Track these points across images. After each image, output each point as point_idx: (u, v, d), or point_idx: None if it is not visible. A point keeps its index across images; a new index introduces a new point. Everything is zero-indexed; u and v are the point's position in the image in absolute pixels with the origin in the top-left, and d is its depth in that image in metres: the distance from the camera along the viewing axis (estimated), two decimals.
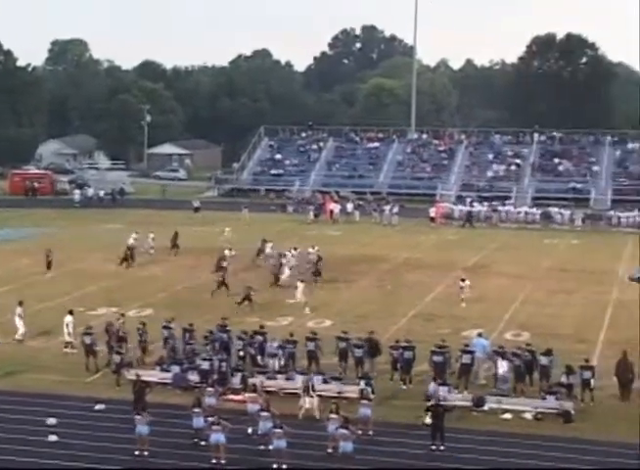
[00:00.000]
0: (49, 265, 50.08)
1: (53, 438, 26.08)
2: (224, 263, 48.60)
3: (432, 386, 28.37)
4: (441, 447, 25.55)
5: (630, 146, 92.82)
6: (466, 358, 30.78)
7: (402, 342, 31.94)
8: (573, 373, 29.19)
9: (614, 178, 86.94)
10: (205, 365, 30.67)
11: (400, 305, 42.96)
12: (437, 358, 30.88)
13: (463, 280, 43.69)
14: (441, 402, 26.79)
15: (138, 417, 25.23)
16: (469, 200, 78.98)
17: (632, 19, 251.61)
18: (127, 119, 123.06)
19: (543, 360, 30.11)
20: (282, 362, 31.83)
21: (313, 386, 28.22)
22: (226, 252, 51.18)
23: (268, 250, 53.40)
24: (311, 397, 27.82)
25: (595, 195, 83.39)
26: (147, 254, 55.07)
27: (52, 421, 27.19)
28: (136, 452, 25.01)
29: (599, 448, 25.71)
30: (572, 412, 27.91)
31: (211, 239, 60.13)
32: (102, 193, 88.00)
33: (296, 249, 51.27)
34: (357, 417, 26.44)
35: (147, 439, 25.11)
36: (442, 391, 28.51)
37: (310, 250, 51.21)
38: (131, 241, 54.87)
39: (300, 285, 42.96)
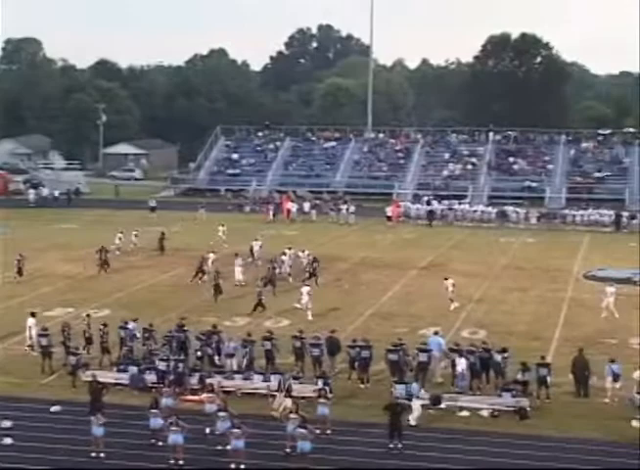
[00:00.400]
0: (20, 271, 48.39)
1: (8, 440, 25.82)
2: (205, 267, 47.89)
3: (414, 385, 28.43)
4: (399, 446, 25.64)
5: (584, 145, 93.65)
6: (423, 357, 30.94)
7: (359, 341, 32.02)
8: (529, 370, 29.43)
9: (568, 177, 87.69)
10: (163, 366, 30.53)
11: (357, 304, 43.04)
12: (393, 357, 30.99)
13: (446, 279, 43.10)
14: (399, 401, 26.89)
15: (94, 418, 25.05)
16: (425, 198, 79.33)
17: (585, 18, 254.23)
18: (82, 119, 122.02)
19: (497, 358, 30.32)
20: (245, 362, 31.78)
21: (290, 386, 28.10)
22: (210, 255, 50.10)
23: (256, 248, 53.67)
24: (288, 397, 27.71)
25: (550, 194, 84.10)
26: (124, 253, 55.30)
27: (7, 424, 26.90)
28: (92, 454, 24.84)
29: (555, 445, 25.97)
30: (528, 409, 28.16)
31: (168, 239, 59.80)
32: (57, 193, 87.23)
33: (290, 248, 50.79)
34: (316, 416, 26.49)
35: (102, 440, 24.93)
36: (400, 389, 28.68)
37: (300, 254, 50.61)
38: (117, 241, 55.60)
39: (305, 289, 41.60)
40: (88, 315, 35.73)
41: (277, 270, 46.96)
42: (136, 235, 57.69)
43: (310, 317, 39.74)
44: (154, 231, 63.89)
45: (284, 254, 49.75)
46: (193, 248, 57.07)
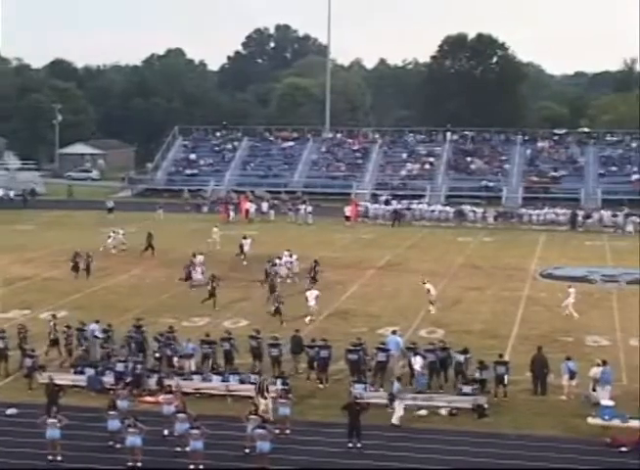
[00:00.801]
0: None
1: None
2: (193, 270, 47.03)
3: (395, 385, 28.48)
4: (358, 445, 25.69)
5: (540, 145, 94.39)
6: (381, 356, 31.02)
7: (318, 341, 32.05)
8: (487, 369, 29.62)
9: (524, 176, 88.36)
10: (121, 367, 30.35)
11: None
12: (353, 357, 31.04)
13: (424, 283, 42.52)
14: (358, 400, 26.94)
15: (51, 421, 24.82)
16: (384, 198, 79.55)
17: (540, 19, 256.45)
18: (38, 119, 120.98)
19: (460, 358, 30.46)
20: (210, 363, 31.71)
21: (267, 387, 27.93)
22: (199, 257, 48.80)
23: (246, 247, 53.61)
24: (265, 398, 27.55)
25: (507, 193, 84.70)
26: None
27: None
28: (49, 457, 24.62)
29: (513, 442, 26.15)
30: (486, 407, 28.33)
31: (126, 239, 59.51)
32: (12, 194, 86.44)
33: (289, 250, 50.24)
34: (276, 417, 26.48)
35: (59, 443, 24.72)
36: (359, 388, 28.76)
37: (286, 253, 49.91)
38: (109, 240, 55.87)
39: (313, 292, 40.96)
40: (54, 316, 35.47)
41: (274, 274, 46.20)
42: (123, 234, 57.60)
43: (308, 320, 39.22)
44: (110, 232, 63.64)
45: (279, 257, 48.90)
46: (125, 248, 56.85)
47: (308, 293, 40.94)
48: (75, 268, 48.64)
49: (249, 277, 48.09)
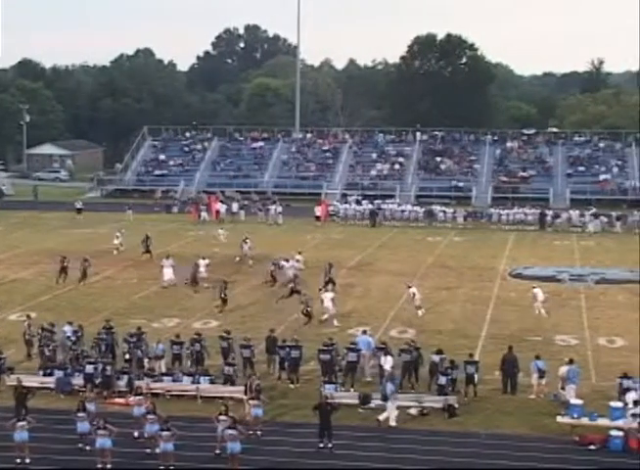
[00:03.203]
0: None
1: None
2: (198, 275, 46.52)
3: (389, 386, 28.48)
4: (329, 445, 25.70)
5: (509, 145, 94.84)
6: (352, 356, 31.06)
7: (289, 341, 32.04)
8: (457, 368, 29.73)
9: (494, 176, 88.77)
10: (90, 369, 30.19)
11: (287, 304, 42.93)
12: (325, 357, 31.05)
13: (409, 287, 42.40)
14: (329, 400, 26.95)
15: (19, 424, 24.64)
16: (354, 198, 79.66)
17: (510, 20, 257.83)
18: (5, 119, 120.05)
19: (435, 358, 30.51)
20: (188, 364, 31.58)
21: (260, 390, 27.84)
22: (201, 261, 48.04)
23: (246, 248, 53.72)
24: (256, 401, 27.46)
25: (476, 193, 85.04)
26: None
27: None
28: (17, 460, 24.44)
29: (483, 441, 26.27)
30: (457, 407, 28.44)
31: (97, 241, 59.29)
32: None
33: (300, 253, 49.90)
34: (247, 417, 26.46)
35: (27, 445, 24.55)
36: (329, 388, 28.78)
37: (297, 256, 49.46)
38: (115, 241, 56.06)
39: (329, 295, 40.60)
40: (28, 316, 35.23)
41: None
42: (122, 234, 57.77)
43: (336, 323, 38.91)
44: (84, 233, 63.49)
45: (286, 259, 48.29)
46: (122, 249, 56.66)
47: (323, 295, 40.63)
48: (64, 271, 47.15)
49: (251, 279, 48.09)
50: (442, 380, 29.32)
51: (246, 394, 27.79)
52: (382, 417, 27.59)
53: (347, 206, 76.53)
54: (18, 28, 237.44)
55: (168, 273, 46.98)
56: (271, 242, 60.65)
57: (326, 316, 39.47)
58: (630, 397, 27.44)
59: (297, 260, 48.90)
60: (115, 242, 56.67)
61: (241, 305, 42.72)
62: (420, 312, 40.77)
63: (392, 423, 27.48)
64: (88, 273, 47.39)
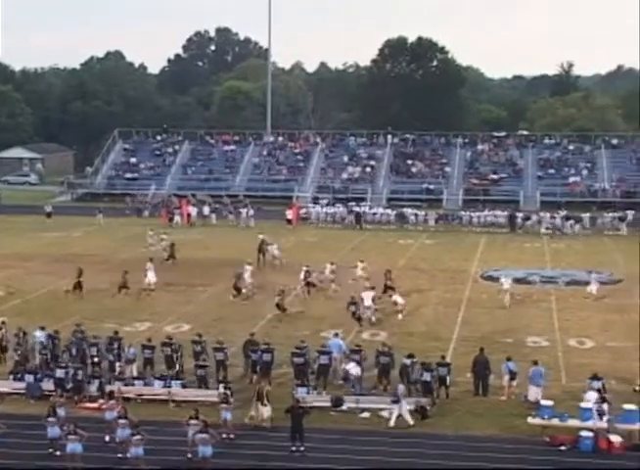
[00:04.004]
0: None
1: None
2: (241, 282, 45.88)
3: (400, 387, 28.51)
4: (301, 448, 25.70)
5: (480, 147, 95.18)
6: (323, 359, 31.07)
7: (261, 344, 32.02)
8: (430, 370, 29.81)
9: (464, 179, 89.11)
10: (61, 373, 30.01)
11: (259, 307, 42.98)
12: (298, 360, 31.04)
13: (390, 296, 42.43)
14: (300, 403, 26.95)
15: None
16: (325, 201, 79.70)
17: (480, 25, 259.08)
18: None
19: (406, 361, 30.57)
20: (178, 367, 31.35)
21: (267, 394, 27.79)
22: (247, 266, 47.60)
23: (276, 251, 53.93)
24: (265, 405, 27.48)
25: (447, 195, 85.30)
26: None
27: None
28: None
29: (455, 443, 26.36)
30: (429, 408, 28.52)
31: (67, 244, 58.98)
32: None
33: (332, 264, 48.71)
34: (219, 421, 26.44)
35: None
36: (301, 391, 28.80)
37: (329, 266, 48.43)
38: (149, 240, 57.35)
39: (370, 293, 40.76)
40: (4, 322, 34.99)
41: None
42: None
43: (374, 318, 39.97)
44: (53, 237, 63.16)
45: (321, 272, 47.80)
46: (93, 253, 56.56)
47: (364, 294, 40.73)
48: (79, 286, 45.16)
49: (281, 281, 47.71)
50: (427, 376, 29.42)
51: (256, 399, 27.67)
52: (409, 420, 27.75)
53: (320, 209, 76.60)
54: None
55: (150, 276, 46.91)
56: (245, 246, 60.49)
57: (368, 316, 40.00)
58: (590, 396, 27.67)
59: (332, 271, 48.02)
60: (150, 240, 57.64)
61: (211, 309, 42.66)
62: (401, 316, 40.91)
63: (411, 422, 27.69)
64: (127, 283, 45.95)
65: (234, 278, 45.62)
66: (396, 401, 28.04)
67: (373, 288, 41.80)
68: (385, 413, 28.48)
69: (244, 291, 45.51)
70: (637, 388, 30.32)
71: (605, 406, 27.04)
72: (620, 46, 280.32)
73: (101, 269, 52.13)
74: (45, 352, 32.28)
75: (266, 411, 27.44)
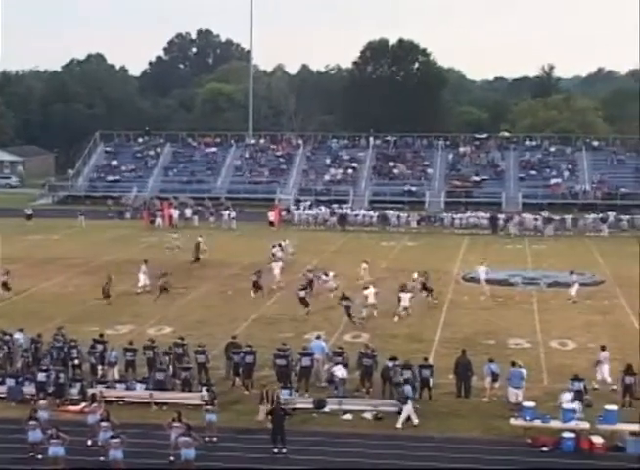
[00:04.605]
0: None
1: None
2: (275, 278, 46.83)
3: (407, 388, 28.53)
4: (283, 450, 25.67)
5: (462, 149, 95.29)
6: (305, 361, 31.06)
7: (243, 346, 31.97)
8: (408, 368, 29.87)
9: (446, 181, 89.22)
10: (42, 377, 29.87)
11: (241, 309, 42.94)
12: (281, 362, 31.00)
13: (403, 290, 42.56)
14: (282, 406, 26.93)
15: None
16: (308, 203, 79.67)
17: (462, 26, 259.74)
18: None
19: (389, 364, 30.54)
20: (167, 375, 31.03)
21: (277, 395, 27.72)
22: (275, 270, 48.53)
23: (282, 253, 53.93)
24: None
25: (429, 197, 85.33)
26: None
27: None
28: None
29: (437, 444, 26.39)
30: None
31: (48, 247, 58.72)
32: None
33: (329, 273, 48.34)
34: (203, 424, 26.37)
35: None
36: (284, 393, 28.77)
37: (331, 273, 48.09)
38: (203, 246, 56.47)
39: (407, 296, 41.78)
40: None
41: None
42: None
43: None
44: (35, 239, 62.94)
45: (325, 274, 47.39)
46: (75, 256, 56.38)
47: (367, 291, 41.61)
48: (106, 295, 44.70)
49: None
50: (407, 374, 29.57)
51: (266, 402, 27.64)
52: (400, 424, 27.80)
53: (302, 211, 76.57)
54: None
55: (143, 279, 46.82)
56: (229, 248, 60.51)
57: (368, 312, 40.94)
58: (565, 397, 27.80)
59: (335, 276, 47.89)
60: (204, 247, 56.92)
61: (194, 311, 42.59)
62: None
63: (415, 421, 27.80)
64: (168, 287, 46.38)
65: (255, 276, 45.90)
66: (404, 402, 28.14)
67: (367, 287, 42.33)
68: (367, 415, 28.53)
69: (273, 287, 46.70)
70: (614, 387, 30.50)
71: (577, 406, 27.20)
72: (601, 49, 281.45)
73: (82, 272, 51.98)
74: (27, 356, 32.13)
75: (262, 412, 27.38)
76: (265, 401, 27.67)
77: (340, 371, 30.21)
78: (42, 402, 27.21)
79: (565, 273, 49.24)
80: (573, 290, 45.57)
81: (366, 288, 42.04)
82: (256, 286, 45.54)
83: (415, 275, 46.80)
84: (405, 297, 41.51)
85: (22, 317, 39.51)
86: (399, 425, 27.70)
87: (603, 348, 32.13)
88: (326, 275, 46.94)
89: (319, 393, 30.09)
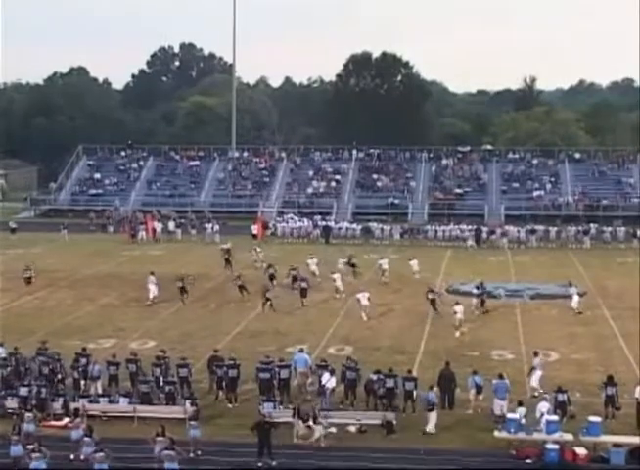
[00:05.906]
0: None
1: None
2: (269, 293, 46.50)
3: (430, 394, 28.67)
4: (273, 464, 25.61)
5: (445, 162, 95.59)
6: (283, 373, 31.00)
7: (227, 360, 31.87)
8: (393, 377, 29.90)
9: (429, 193, 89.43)
10: (24, 391, 29.69)
11: (224, 322, 42.86)
12: (264, 375, 30.93)
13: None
14: (267, 419, 26.86)
15: None
16: (290, 216, 79.69)
17: (444, 39, 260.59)
18: None
19: (372, 377, 30.50)
20: (151, 387, 30.94)
21: (316, 413, 27.80)
22: (309, 261, 52.64)
23: (313, 267, 54.09)
24: (319, 424, 27.47)
25: (412, 210, 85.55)
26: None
27: None
28: None
29: (421, 457, 26.34)
30: (395, 423, 28.50)
31: (31, 260, 58.34)
32: None
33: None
34: (187, 438, 26.26)
35: None
36: (268, 407, 28.69)
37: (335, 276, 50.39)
38: (254, 257, 58.41)
39: (365, 294, 44.34)
40: None
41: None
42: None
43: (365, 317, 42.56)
44: (18, 253, 62.71)
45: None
46: (57, 269, 56.15)
47: (360, 295, 43.93)
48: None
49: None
50: (390, 383, 29.84)
51: (301, 419, 27.60)
52: (428, 428, 28.10)
53: (285, 224, 76.55)
54: None
55: (153, 290, 46.74)
56: (208, 261, 60.35)
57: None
58: (542, 406, 27.85)
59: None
60: (254, 257, 58.06)
61: (177, 325, 42.48)
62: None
63: (432, 430, 28.13)
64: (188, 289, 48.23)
65: (263, 288, 46.63)
66: (431, 410, 28.27)
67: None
68: (351, 428, 28.47)
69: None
70: (537, 394, 30.66)
71: (554, 417, 27.28)
72: (582, 61, 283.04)
73: (64, 285, 51.79)
74: (7, 370, 31.91)
75: (318, 430, 27.33)
76: (305, 421, 27.58)
77: (329, 382, 30.15)
78: (28, 415, 27.04)
79: (547, 285, 49.26)
80: (574, 302, 45.53)
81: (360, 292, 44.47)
82: (241, 288, 47.90)
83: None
84: (459, 309, 41.57)
85: (1, 331, 39.25)
86: (432, 430, 28.14)
87: (536, 354, 32.79)
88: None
89: (304, 406, 29.97)
